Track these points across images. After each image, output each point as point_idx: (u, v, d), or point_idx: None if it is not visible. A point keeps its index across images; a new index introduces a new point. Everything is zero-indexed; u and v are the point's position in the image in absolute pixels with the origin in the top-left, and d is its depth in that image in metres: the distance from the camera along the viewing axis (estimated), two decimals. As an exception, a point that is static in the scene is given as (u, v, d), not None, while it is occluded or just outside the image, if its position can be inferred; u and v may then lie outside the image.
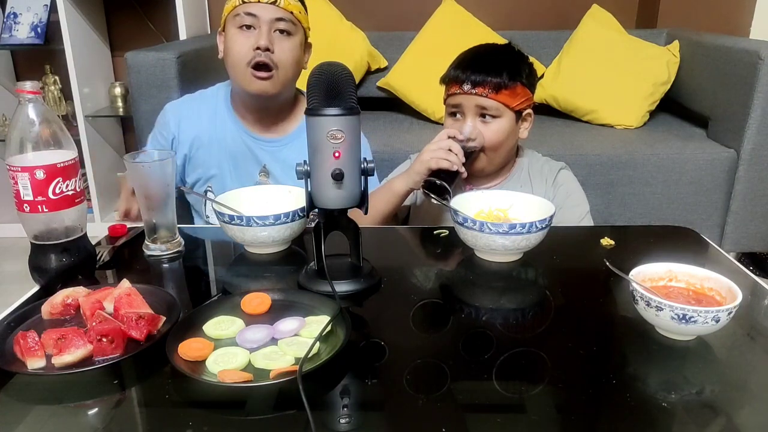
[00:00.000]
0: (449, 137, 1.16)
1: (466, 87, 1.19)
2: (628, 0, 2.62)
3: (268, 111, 1.33)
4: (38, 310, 0.76)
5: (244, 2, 1.21)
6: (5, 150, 0.82)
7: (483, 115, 1.20)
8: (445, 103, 1.27)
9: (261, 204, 1.03)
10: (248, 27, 1.21)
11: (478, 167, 1.24)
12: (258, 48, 1.21)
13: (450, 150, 1.14)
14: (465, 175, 1.18)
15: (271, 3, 1.21)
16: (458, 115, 1.23)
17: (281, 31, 1.23)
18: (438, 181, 1.10)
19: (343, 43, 2.33)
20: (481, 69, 1.19)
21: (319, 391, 0.62)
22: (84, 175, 2.43)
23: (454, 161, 1.13)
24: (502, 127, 1.21)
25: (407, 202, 1.34)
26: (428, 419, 0.59)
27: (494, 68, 1.19)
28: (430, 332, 0.76)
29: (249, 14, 1.21)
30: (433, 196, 1.11)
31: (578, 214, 1.26)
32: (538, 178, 1.30)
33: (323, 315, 0.74)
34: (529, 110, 1.25)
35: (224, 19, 1.25)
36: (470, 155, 1.18)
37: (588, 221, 1.27)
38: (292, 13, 1.24)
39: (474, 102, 1.20)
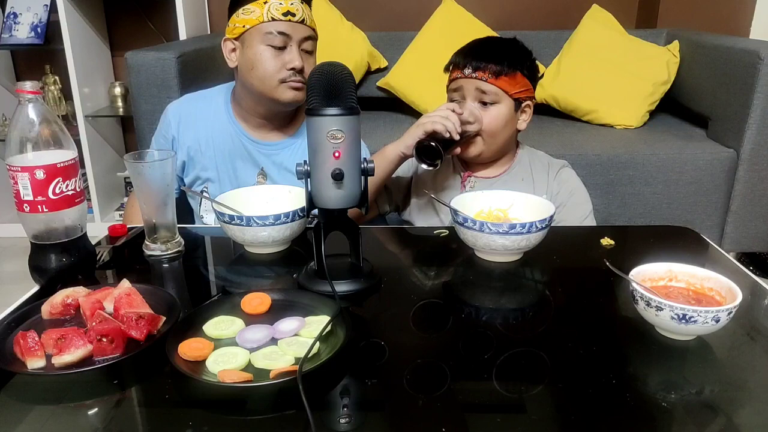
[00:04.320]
0: (448, 109, 1.18)
1: (467, 71, 1.21)
2: (628, 0, 2.62)
3: (278, 117, 1.33)
4: (38, 310, 0.76)
5: (274, 19, 1.20)
6: (5, 150, 0.82)
7: (483, 102, 1.22)
8: (447, 90, 1.29)
9: (261, 204, 1.03)
10: (279, 46, 1.22)
11: (474, 153, 1.24)
12: (293, 68, 1.22)
13: (448, 118, 1.15)
14: (458, 151, 1.18)
15: (300, 22, 1.22)
16: (458, 99, 1.24)
17: (307, 52, 1.25)
18: (433, 143, 1.11)
19: (343, 43, 2.33)
20: (483, 55, 1.21)
21: (319, 391, 0.62)
22: (84, 175, 2.43)
23: (450, 128, 1.14)
24: (500, 112, 1.22)
25: (408, 174, 1.34)
26: (428, 419, 0.59)
27: (496, 55, 1.21)
28: (430, 332, 0.76)
29: (281, 33, 1.20)
30: (424, 161, 1.13)
31: (581, 213, 1.26)
32: (540, 171, 1.30)
33: (323, 315, 0.74)
34: (529, 102, 1.26)
35: (243, 30, 1.23)
36: (463, 136, 1.19)
37: (591, 220, 1.28)
38: (314, 30, 1.26)
39: (474, 86, 1.21)
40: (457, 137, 1.15)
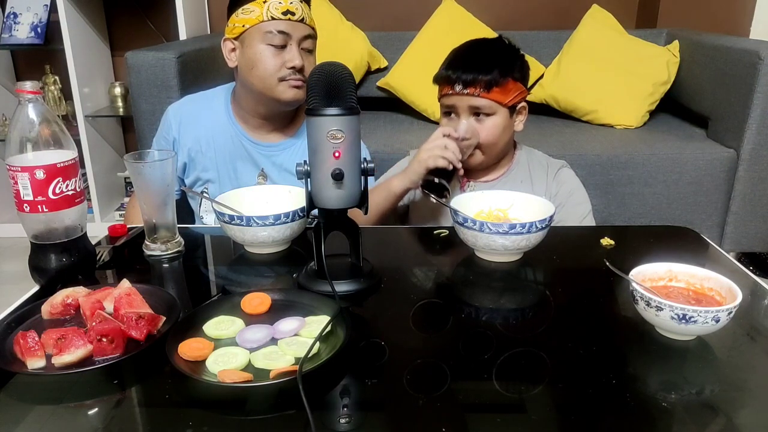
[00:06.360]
0: (444, 135, 1.17)
1: (458, 87, 1.20)
2: (628, 0, 2.62)
3: (278, 117, 1.33)
4: (38, 310, 0.76)
5: (273, 18, 1.20)
6: (5, 150, 0.82)
7: (477, 114, 1.21)
8: (439, 101, 1.28)
9: (261, 204, 1.03)
10: (279, 45, 1.22)
11: (475, 163, 1.24)
12: (293, 67, 1.22)
13: (446, 148, 1.14)
14: (462, 172, 1.18)
15: (299, 21, 1.22)
16: (453, 115, 1.24)
17: (307, 51, 1.25)
18: (437, 180, 1.11)
19: (343, 43, 2.33)
20: (471, 68, 1.19)
21: (319, 391, 0.62)
22: (84, 175, 2.43)
23: (451, 159, 1.13)
24: (497, 123, 1.21)
25: (405, 201, 1.34)
26: (428, 419, 0.59)
27: (484, 66, 1.19)
28: (430, 332, 0.76)
29: (281, 32, 1.21)
30: (432, 195, 1.12)
31: (580, 213, 1.26)
32: (539, 171, 1.30)
33: (323, 315, 0.74)
34: (523, 103, 1.25)
35: (242, 30, 1.23)
36: (464, 155, 1.18)
37: (590, 221, 1.27)
38: (313, 29, 1.26)
39: (467, 102, 1.20)
40: (459, 165, 1.14)
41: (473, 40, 1.28)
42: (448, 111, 1.25)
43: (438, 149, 1.14)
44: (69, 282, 0.84)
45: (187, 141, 1.34)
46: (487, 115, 1.20)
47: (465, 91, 1.19)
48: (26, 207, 0.83)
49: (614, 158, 1.90)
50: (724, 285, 0.74)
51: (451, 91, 1.21)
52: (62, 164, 0.83)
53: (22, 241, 0.85)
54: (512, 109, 1.23)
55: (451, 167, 1.13)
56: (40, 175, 0.81)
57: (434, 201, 1.13)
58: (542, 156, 1.35)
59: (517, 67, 1.22)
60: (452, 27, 2.34)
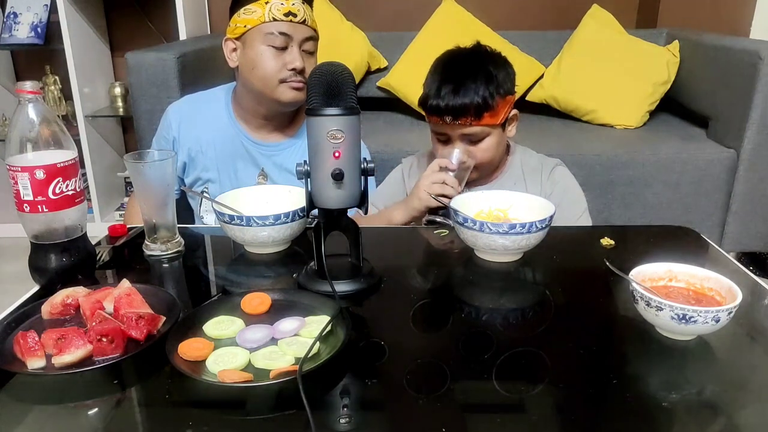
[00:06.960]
0: (441, 168, 1.16)
1: (448, 119, 1.18)
2: (628, 0, 2.62)
3: (279, 117, 1.33)
4: (38, 310, 0.76)
5: (275, 19, 1.20)
6: (5, 150, 0.82)
7: (471, 140, 1.20)
8: (430, 128, 1.26)
9: (261, 204, 1.03)
10: (280, 47, 1.22)
11: (471, 178, 1.24)
12: (293, 69, 1.22)
13: (445, 183, 1.13)
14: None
15: (301, 22, 1.22)
16: (445, 141, 1.23)
17: (308, 52, 1.25)
18: (438, 219, 1.11)
19: (343, 43, 2.34)
20: (457, 96, 1.16)
21: (319, 391, 0.62)
22: (84, 175, 2.43)
23: (451, 194, 1.12)
24: (491, 144, 1.21)
25: (401, 195, 1.33)
26: (428, 419, 0.59)
27: (470, 92, 1.15)
28: (430, 332, 0.76)
29: (283, 34, 1.21)
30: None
31: (576, 211, 1.26)
32: (533, 174, 1.29)
33: (323, 315, 0.74)
34: (514, 111, 1.24)
35: (244, 30, 1.23)
36: (462, 180, 1.18)
37: (586, 219, 1.27)
38: (315, 30, 1.26)
39: (459, 131, 1.19)
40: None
41: (453, 56, 1.24)
42: (440, 136, 1.24)
43: (437, 186, 1.13)
44: (69, 282, 0.84)
45: (187, 141, 1.34)
46: (481, 138, 1.20)
47: (456, 122, 1.17)
48: (26, 207, 0.83)
49: (614, 158, 1.90)
50: (724, 285, 0.74)
51: (440, 122, 1.20)
52: (62, 164, 0.83)
53: (22, 241, 0.85)
54: (505, 122, 1.22)
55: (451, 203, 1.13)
56: (40, 175, 0.81)
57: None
58: (537, 156, 1.34)
59: (502, 79, 1.19)
60: (452, 27, 2.34)
